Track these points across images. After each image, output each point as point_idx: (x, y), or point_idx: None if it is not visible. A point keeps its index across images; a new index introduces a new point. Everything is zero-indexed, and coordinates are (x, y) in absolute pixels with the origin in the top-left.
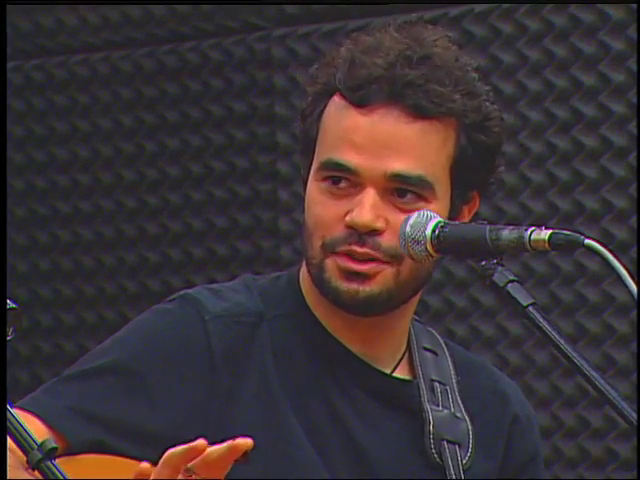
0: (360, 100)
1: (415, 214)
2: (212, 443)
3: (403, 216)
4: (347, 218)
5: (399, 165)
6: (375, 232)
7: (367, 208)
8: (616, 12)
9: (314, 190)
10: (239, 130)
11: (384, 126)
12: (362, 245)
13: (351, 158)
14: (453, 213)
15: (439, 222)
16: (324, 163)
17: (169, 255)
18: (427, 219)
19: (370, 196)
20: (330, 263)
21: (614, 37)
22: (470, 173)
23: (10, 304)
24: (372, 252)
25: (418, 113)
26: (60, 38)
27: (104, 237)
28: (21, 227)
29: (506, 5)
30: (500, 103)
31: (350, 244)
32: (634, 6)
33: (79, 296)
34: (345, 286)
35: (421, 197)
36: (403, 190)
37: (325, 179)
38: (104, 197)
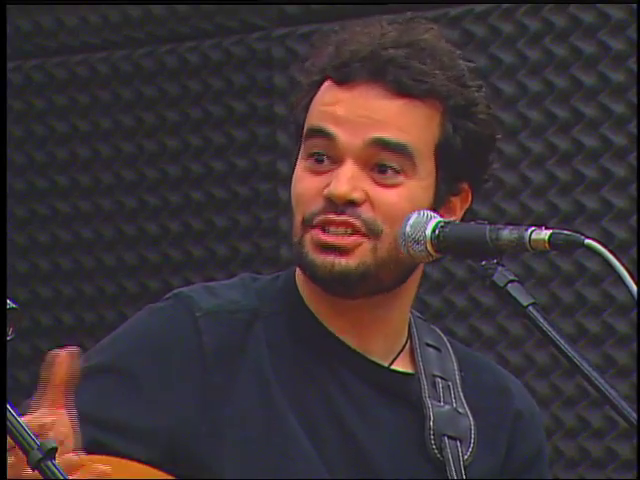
0: (343, 77)
1: (415, 214)
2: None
3: (383, 190)
4: (325, 190)
5: (380, 131)
6: (353, 203)
7: (344, 179)
8: (616, 12)
9: (298, 169)
10: (239, 130)
11: (364, 101)
12: (339, 214)
13: (332, 126)
14: (439, 200)
15: (439, 222)
16: (307, 132)
17: (169, 255)
18: (427, 219)
19: (348, 168)
20: (308, 238)
21: (614, 37)
22: (457, 159)
23: (10, 304)
24: (350, 219)
25: (399, 90)
26: (60, 38)
27: (104, 237)
28: (21, 227)
29: (506, 5)
30: (500, 103)
31: (327, 213)
32: (634, 6)
33: (79, 296)
34: (321, 259)
35: (401, 172)
36: (383, 166)
37: (309, 157)
38: (104, 197)
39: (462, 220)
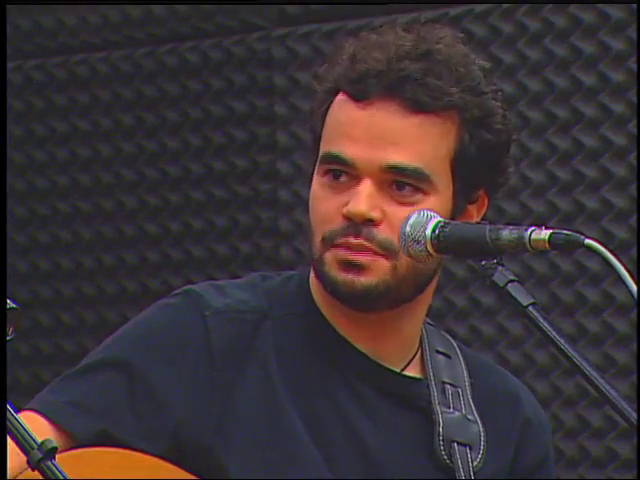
0: (359, 94)
1: (415, 214)
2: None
3: (401, 209)
4: (344, 209)
5: (395, 157)
6: (371, 222)
7: (363, 198)
8: (616, 12)
9: (316, 186)
10: (239, 130)
11: (381, 119)
12: (357, 236)
13: (348, 150)
14: (457, 210)
15: (439, 222)
16: (323, 156)
17: (169, 255)
18: (427, 219)
19: (366, 186)
20: (329, 256)
21: (614, 37)
22: (473, 169)
23: (10, 304)
24: (366, 243)
25: (415, 107)
26: (60, 38)
27: (104, 237)
28: (21, 227)
29: (506, 5)
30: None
31: (347, 235)
32: (634, 6)
33: (79, 296)
34: (342, 277)
35: (419, 190)
36: (401, 183)
37: (326, 173)
38: (104, 197)
39: None
